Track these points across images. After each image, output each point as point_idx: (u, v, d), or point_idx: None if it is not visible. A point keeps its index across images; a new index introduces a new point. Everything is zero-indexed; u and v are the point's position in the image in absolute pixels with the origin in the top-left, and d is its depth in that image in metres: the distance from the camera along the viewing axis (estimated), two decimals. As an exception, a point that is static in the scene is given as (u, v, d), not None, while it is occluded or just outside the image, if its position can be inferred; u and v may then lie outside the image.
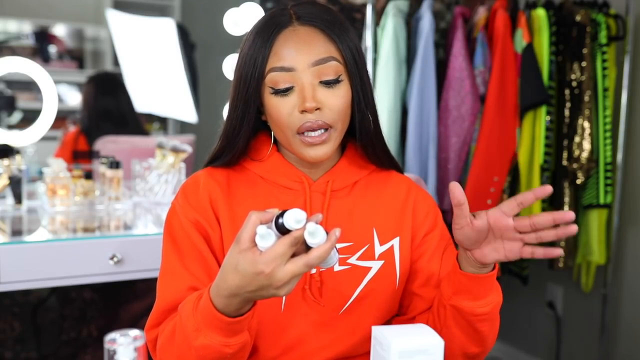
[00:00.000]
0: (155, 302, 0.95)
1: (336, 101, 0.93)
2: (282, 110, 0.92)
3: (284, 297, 0.95)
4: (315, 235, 0.72)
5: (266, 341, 0.96)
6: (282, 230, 0.73)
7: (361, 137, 1.00)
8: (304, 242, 0.73)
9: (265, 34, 0.92)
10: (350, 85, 0.95)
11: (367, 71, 0.98)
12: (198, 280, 0.93)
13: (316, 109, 0.91)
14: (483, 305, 0.91)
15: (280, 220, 0.73)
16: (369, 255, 0.99)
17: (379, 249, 1.00)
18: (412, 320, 1.04)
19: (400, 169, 1.10)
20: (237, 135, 0.97)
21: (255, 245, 0.73)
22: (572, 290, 2.63)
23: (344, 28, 0.95)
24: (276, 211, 0.75)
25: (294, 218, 0.71)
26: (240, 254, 0.74)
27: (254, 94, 0.94)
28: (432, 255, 1.03)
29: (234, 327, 0.79)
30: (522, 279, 2.37)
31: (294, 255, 0.73)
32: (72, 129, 2.85)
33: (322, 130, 0.93)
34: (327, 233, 0.73)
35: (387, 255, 1.00)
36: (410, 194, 1.06)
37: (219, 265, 0.94)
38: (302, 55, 0.91)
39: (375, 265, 0.99)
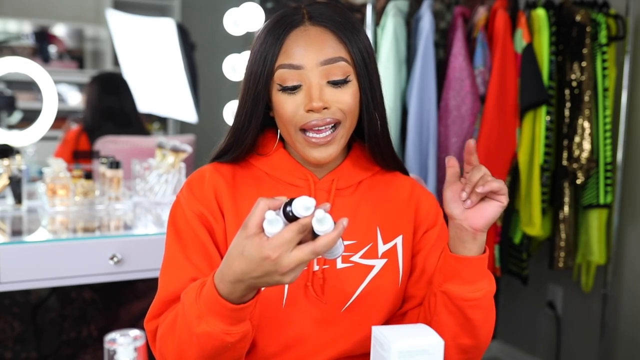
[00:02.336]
0: (157, 293, 0.95)
1: (344, 99, 0.93)
2: (287, 107, 0.93)
3: (285, 294, 0.95)
4: (323, 223, 0.72)
5: (265, 337, 0.96)
6: (290, 218, 0.73)
7: (369, 138, 1.00)
8: (311, 231, 0.73)
9: (277, 33, 0.93)
10: (359, 87, 0.95)
11: (377, 73, 0.98)
12: (200, 272, 0.94)
13: (323, 109, 0.92)
14: (473, 291, 0.91)
15: (288, 208, 0.73)
16: (372, 254, 1.00)
17: (382, 248, 1.00)
18: (403, 315, 1.04)
19: (406, 171, 1.10)
20: (245, 132, 0.97)
21: (263, 231, 0.73)
22: (572, 290, 2.63)
23: (355, 29, 0.95)
24: (284, 199, 0.75)
25: (302, 205, 0.71)
26: (247, 239, 0.74)
27: (263, 91, 0.94)
28: (429, 252, 1.04)
29: (237, 314, 0.79)
30: (522, 279, 2.37)
31: (300, 243, 0.73)
32: (74, 127, 2.84)
33: (330, 131, 0.93)
34: (334, 222, 0.73)
35: (390, 253, 1.01)
36: (414, 193, 1.07)
37: (222, 258, 0.95)
38: (311, 54, 0.92)
39: (379, 264, 0.99)
